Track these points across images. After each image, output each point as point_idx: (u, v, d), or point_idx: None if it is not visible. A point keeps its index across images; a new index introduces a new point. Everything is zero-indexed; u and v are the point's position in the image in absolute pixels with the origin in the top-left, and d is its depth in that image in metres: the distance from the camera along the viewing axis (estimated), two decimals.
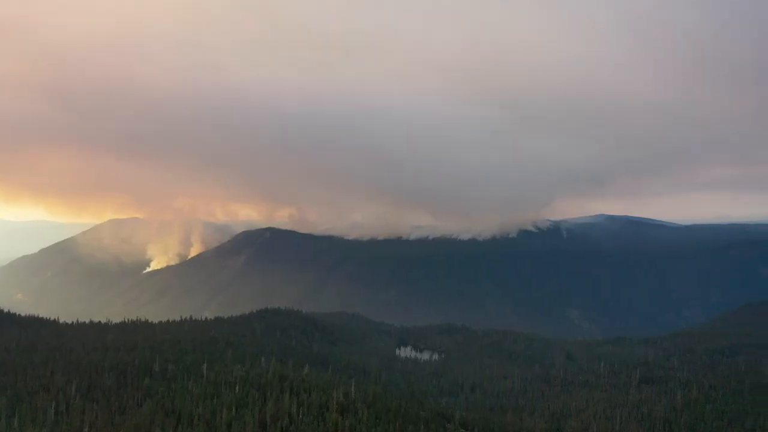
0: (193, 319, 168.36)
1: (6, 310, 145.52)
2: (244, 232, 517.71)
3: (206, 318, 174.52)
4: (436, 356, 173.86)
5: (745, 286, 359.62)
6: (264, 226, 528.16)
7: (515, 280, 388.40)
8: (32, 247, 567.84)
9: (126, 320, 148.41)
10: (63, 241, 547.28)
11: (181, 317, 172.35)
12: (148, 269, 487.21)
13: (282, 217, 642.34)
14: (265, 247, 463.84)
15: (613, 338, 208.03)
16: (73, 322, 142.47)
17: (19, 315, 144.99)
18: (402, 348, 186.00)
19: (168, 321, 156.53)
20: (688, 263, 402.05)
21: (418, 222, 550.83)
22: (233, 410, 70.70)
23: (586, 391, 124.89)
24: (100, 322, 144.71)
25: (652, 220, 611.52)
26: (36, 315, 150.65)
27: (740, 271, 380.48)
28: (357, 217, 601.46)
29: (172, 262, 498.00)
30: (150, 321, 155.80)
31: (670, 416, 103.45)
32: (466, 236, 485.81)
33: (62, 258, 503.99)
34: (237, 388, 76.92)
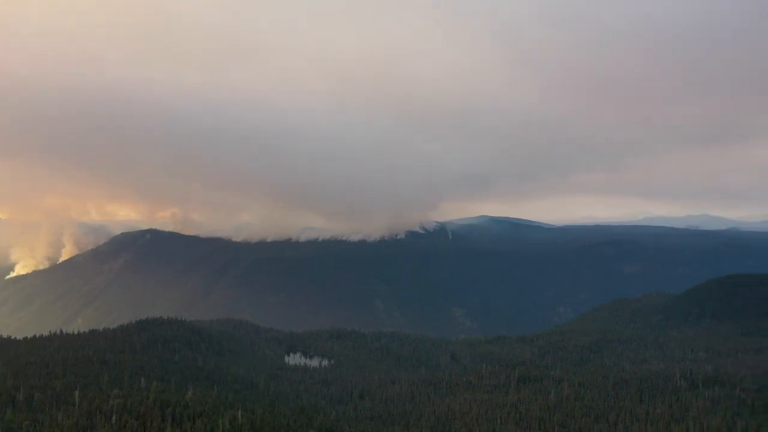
0: (64, 332, 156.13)
1: None
2: (122, 233, 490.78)
3: (79, 331, 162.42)
4: (325, 362, 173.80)
5: (609, 283, 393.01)
6: (145, 228, 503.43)
7: (403, 280, 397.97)
8: None
9: None
10: None
11: (50, 330, 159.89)
12: (12, 274, 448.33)
13: (164, 218, 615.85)
14: (145, 249, 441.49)
15: (494, 337, 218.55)
16: None
17: None
18: (291, 355, 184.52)
19: (34, 337, 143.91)
20: (560, 262, 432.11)
21: (308, 223, 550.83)
22: None
23: (469, 393, 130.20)
24: None
25: (531, 221, 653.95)
26: None
27: (605, 269, 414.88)
28: (245, 218, 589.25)
29: (41, 266, 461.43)
30: (13, 337, 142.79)
31: (545, 415, 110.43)
32: (355, 237, 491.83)
33: None
34: (114, 418, 72.30)
